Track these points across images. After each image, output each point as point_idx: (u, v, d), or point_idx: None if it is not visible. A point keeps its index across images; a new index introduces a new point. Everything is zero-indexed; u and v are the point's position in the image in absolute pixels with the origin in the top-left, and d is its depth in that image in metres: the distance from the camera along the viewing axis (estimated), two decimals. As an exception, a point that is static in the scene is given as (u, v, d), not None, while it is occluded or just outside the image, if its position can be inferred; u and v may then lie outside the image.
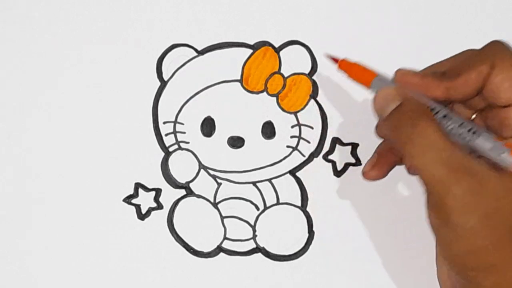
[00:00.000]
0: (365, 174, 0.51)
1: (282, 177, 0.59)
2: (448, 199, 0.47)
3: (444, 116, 0.50)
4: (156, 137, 0.59)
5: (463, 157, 0.46)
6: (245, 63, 0.59)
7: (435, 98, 0.50)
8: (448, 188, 0.46)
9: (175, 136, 0.59)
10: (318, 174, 0.59)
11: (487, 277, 0.47)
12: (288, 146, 0.59)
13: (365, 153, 0.59)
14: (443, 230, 0.47)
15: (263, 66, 0.59)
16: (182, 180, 0.59)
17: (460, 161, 0.46)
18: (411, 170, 0.51)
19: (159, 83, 0.59)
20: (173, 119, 0.59)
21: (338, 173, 0.59)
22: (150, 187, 0.59)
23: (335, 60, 0.54)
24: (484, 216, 0.46)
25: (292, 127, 0.59)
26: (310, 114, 0.59)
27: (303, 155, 0.59)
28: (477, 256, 0.46)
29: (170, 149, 0.59)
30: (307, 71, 0.59)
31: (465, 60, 0.50)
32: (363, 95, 0.56)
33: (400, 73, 0.51)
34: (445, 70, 0.50)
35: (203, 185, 0.59)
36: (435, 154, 0.47)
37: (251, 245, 0.59)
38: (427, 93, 0.50)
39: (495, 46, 0.50)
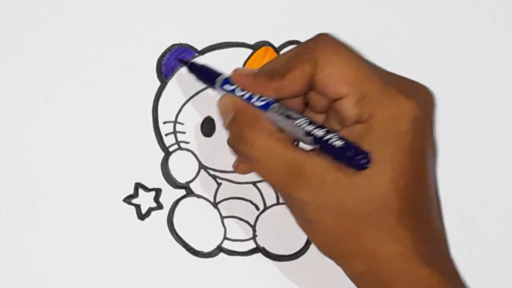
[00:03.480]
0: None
1: (282, 177, 0.59)
2: (291, 201, 0.50)
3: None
4: (156, 137, 0.59)
5: (297, 159, 0.49)
6: (245, 63, 0.59)
7: (268, 97, 0.52)
8: (288, 192, 0.49)
9: (175, 136, 0.59)
10: (318, 174, 0.59)
11: (354, 264, 0.50)
12: (288, 146, 0.59)
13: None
14: (302, 226, 0.51)
15: (263, 66, 0.59)
16: (182, 180, 0.59)
17: (294, 164, 0.49)
18: None
19: (159, 83, 0.59)
20: (173, 119, 0.59)
21: (338, 173, 0.59)
22: (150, 187, 0.58)
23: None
24: (328, 211, 0.48)
25: (292, 127, 0.59)
26: (310, 114, 0.59)
27: (303, 155, 0.59)
28: (334, 246, 0.50)
29: (170, 149, 0.59)
30: (307, 71, 0.59)
31: (291, 58, 0.51)
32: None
33: (235, 73, 0.53)
34: (275, 69, 0.51)
35: (203, 185, 0.59)
36: (269, 164, 0.50)
37: (251, 245, 0.59)
38: (260, 93, 0.52)
39: (318, 41, 0.51)
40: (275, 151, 0.49)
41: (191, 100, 0.59)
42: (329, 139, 0.48)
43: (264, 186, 0.59)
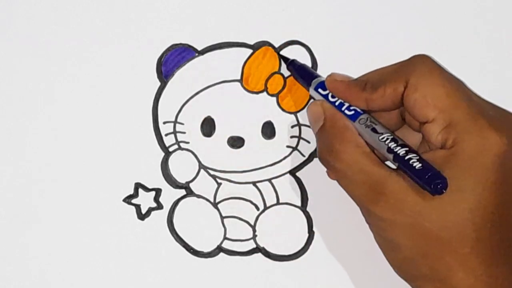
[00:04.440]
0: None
1: (282, 177, 0.59)
2: (370, 217, 0.50)
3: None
4: (156, 137, 0.59)
5: (379, 176, 0.49)
6: (245, 63, 0.59)
7: (358, 107, 0.52)
8: (367, 208, 0.49)
9: (175, 136, 0.59)
10: (318, 174, 0.59)
11: (428, 286, 0.49)
12: (288, 146, 0.59)
13: (365, 153, 0.59)
14: (378, 243, 0.51)
15: (263, 66, 0.59)
16: (182, 180, 0.59)
17: (376, 181, 0.49)
18: None
19: (159, 83, 0.59)
20: (173, 119, 0.59)
21: (338, 173, 0.59)
22: (150, 187, 0.58)
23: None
24: (403, 231, 0.48)
25: (292, 127, 0.59)
26: (310, 114, 0.59)
27: (303, 155, 0.59)
28: (410, 267, 0.49)
29: (170, 149, 0.59)
30: (307, 71, 0.59)
31: (386, 74, 0.51)
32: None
33: (330, 79, 0.53)
34: (369, 80, 0.51)
35: (203, 185, 0.59)
36: (352, 177, 0.50)
37: (251, 245, 0.59)
38: (351, 102, 0.52)
39: (414, 62, 0.51)
40: (359, 165, 0.49)
41: (191, 100, 0.59)
42: (410, 159, 0.48)
43: (264, 186, 0.59)
